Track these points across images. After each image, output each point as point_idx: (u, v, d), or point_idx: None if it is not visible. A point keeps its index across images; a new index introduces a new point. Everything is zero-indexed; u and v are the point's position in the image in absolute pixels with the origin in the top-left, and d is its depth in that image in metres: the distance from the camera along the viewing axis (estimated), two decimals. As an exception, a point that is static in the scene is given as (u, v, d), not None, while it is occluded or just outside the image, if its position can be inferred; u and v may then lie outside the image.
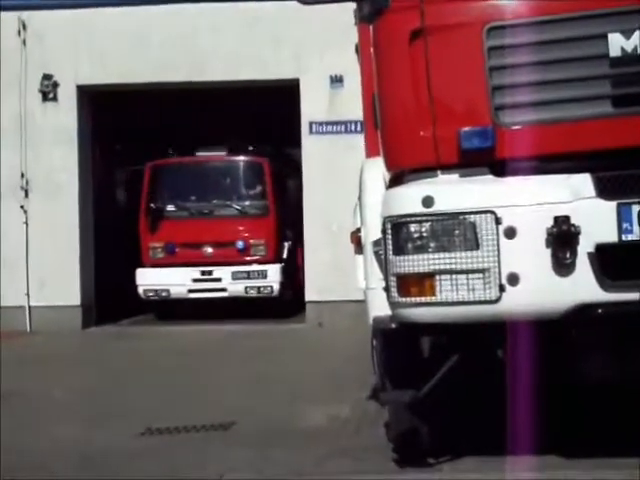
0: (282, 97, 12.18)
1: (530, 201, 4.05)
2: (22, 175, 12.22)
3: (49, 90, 12.25)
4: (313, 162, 12.17)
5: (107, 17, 12.32)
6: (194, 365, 8.79)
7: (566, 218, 3.99)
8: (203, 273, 12.95)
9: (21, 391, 7.40)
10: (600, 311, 4.00)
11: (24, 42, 12.25)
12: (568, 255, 3.98)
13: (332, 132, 12.06)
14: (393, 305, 4.23)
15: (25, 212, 12.22)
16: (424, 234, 4.09)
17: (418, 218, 4.09)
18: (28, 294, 12.16)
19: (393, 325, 4.31)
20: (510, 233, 4.02)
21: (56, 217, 12.18)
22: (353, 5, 4.73)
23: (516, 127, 4.11)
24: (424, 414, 4.44)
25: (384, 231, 4.20)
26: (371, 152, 5.07)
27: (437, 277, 4.05)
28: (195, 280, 12.93)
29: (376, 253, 4.56)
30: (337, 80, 11.95)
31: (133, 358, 9.53)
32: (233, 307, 13.10)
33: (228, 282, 12.88)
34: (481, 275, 4.01)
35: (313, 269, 12.06)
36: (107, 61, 12.32)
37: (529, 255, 4.01)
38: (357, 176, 5.04)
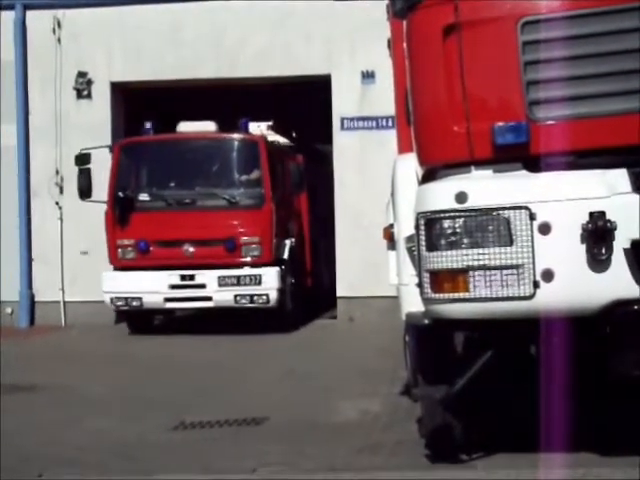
0: (313, 93, 12.19)
1: (565, 196, 4.02)
2: (57, 172, 12.38)
3: (83, 87, 12.39)
4: (344, 158, 12.16)
5: (140, 15, 12.43)
6: (227, 359, 8.85)
7: (602, 214, 3.96)
8: (183, 278, 10.54)
9: (56, 385, 7.50)
10: (636, 307, 3.97)
11: (59, 40, 12.41)
12: (603, 251, 3.95)
13: (363, 128, 12.04)
14: (426, 301, 4.23)
15: (60, 208, 12.38)
16: (457, 230, 4.08)
17: (451, 214, 4.09)
18: (63, 289, 12.32)
19: (426, 321, 4.31)
20: (545, 229, 4.00)
21: (90, 213, 12.29)
22: (386, 0, 4.72)
23: (550, 122, 4.09)
24: (457, 410, 4.43)
25: (417, 227, 4.19)
26: (403, 148, 5.06)
27: (470, 273, 4.04)
28: (173, 287, 10.53)
29: (409, 249, 4.56)
30: (369, 76, 11.93)
31: (166, 352, 9.61)
32: (221, 320, 11.12)
33: (214, 289, 10.45)
34: (515, 271, 3.99)
35: (344, 265, 12.07)
36: (140, 58, 12.43)
37: (564, 251, 3.98)
38: (389, 172, 5.03)
